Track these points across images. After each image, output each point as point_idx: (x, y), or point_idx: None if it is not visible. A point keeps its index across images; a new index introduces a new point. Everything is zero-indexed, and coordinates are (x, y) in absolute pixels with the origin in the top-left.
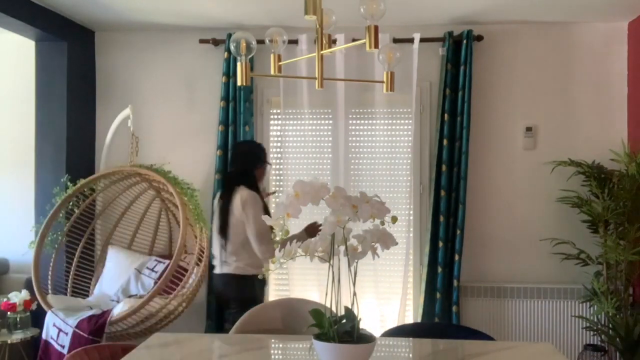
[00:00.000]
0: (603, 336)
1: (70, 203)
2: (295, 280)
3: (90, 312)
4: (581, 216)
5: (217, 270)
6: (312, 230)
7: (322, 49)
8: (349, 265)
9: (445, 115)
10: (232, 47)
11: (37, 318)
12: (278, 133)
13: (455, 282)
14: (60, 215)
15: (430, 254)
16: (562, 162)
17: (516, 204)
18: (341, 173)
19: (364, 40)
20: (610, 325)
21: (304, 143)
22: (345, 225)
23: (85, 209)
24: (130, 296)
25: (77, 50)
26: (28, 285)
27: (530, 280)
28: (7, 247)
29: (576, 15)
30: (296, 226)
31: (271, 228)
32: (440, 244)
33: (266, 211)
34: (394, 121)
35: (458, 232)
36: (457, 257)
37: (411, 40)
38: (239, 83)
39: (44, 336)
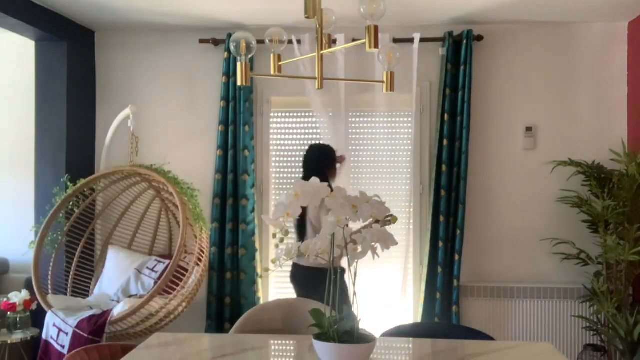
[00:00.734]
0: (603, 336)
1: (70, 203)
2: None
3: (90, 312)
4: (581, 216)
5: (302, 263)
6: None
7: (322, 49)
8: (349, 265)
9: (445, 115)
10: (232, 47)
11: (37, 318)
12: (278, 133)
13: (455, 282)
14: (60, 215)
15: (430, 254)
16: (562, 162)
17: (516, 204)
18: (341, 173)
19: (364, 40)
20: (610, 325)
21: (304, 143)
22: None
23: (85, 209)
24: (130, 296)
25: (77, 50)
26: (28, 285)
27: (530, 280)
28: (7, 247)
29: (576, 15)
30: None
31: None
32: (440, 244)
33: None
34: (394, 121)
35: (458, 232)
36: (457, 257)
37: (411, 40)
38: (239, 83)
39: (44, 336)
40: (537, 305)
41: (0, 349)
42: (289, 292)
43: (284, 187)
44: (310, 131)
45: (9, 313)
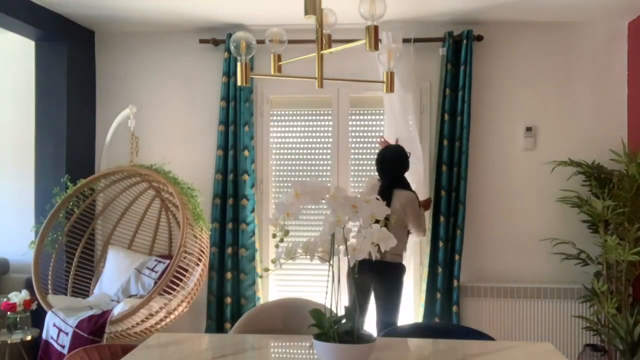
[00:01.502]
0: (603, 336)
1: (70, 203)
2: (295, 280)
3: (90, 312)
4: (581, 216)
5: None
6: (425, 204)
7: (322, 49)
8: (349, 265)
9: (445, 115)
10: (232, 47)
11: (37, 318)
12: (278, 133)
13: (455, 282)
14: (60, 215)
15: (431, 254)
16: (562, 162)
17: (516, 204)
18: (341, 173)
19: (364, 40)
20: (610, 325)
21: (304, 143)
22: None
23: (85, 209)
24: (130, 296)
25: (77, 50)
26: (28, 285)
27: (530, 280)
28: (7, 247)
29: (576, 15)
30: (296, 226)
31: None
32: (441, 244)
33: (419, 204)
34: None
35: (458, 232)
36: (457, 257)
37: (411, 40)
38: (239, 83)
39: (44, 336)
40: (537, 305)
41: (0, 349)
42: (289, 292)
43: (284, 187)
44: (311, 131)
45: (9, 313)
